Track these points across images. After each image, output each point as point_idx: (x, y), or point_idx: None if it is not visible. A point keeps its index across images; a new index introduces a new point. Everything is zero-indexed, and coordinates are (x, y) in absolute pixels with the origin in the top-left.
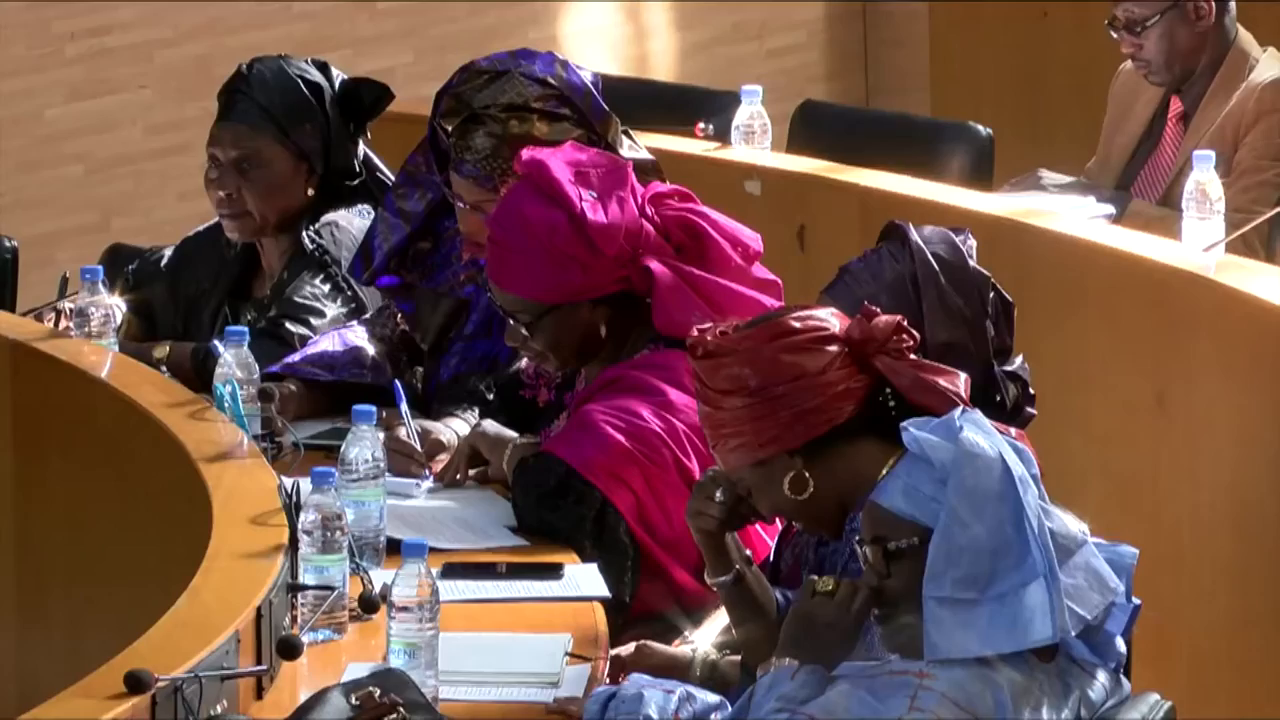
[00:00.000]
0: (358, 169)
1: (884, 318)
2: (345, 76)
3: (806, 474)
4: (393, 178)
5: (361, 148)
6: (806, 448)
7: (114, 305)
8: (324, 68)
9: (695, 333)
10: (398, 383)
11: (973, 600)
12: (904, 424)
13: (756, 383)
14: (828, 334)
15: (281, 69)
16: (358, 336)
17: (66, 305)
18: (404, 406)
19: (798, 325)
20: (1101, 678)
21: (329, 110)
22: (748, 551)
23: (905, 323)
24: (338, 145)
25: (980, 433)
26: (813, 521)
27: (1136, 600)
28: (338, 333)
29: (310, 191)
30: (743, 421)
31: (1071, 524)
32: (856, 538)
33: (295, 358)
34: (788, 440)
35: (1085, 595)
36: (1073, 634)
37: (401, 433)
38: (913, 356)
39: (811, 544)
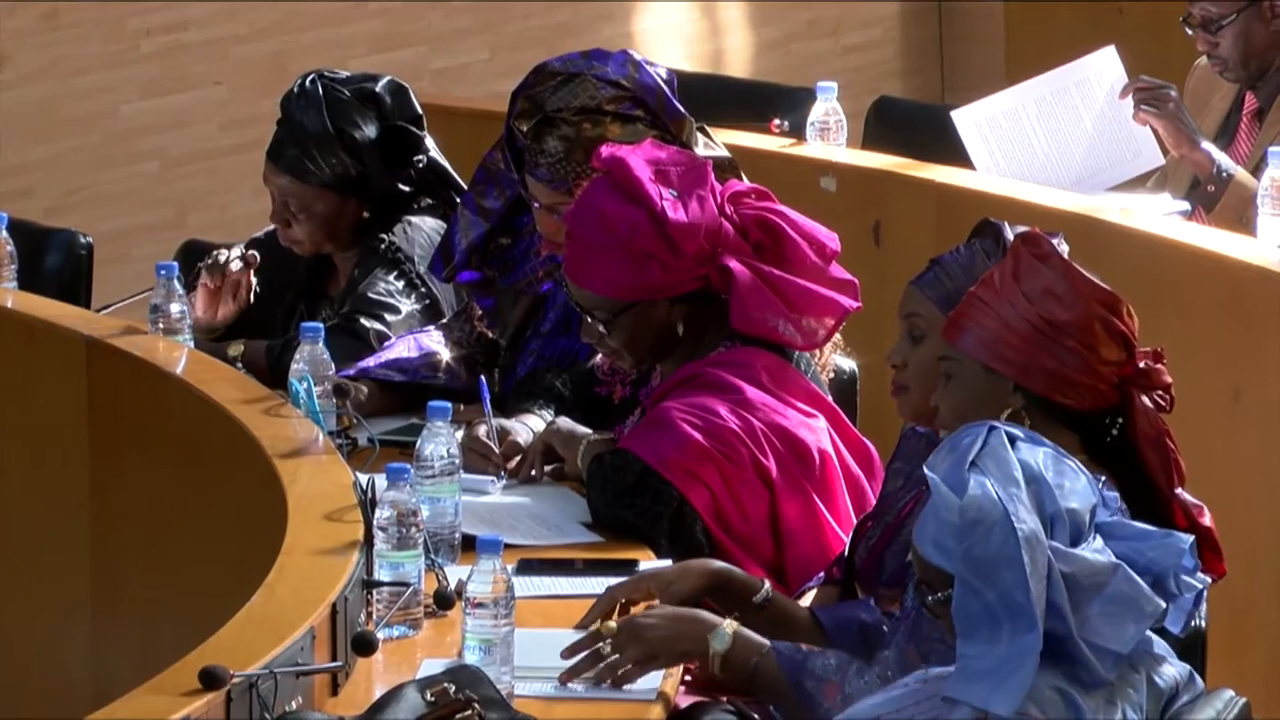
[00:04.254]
0: (411, 176)
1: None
2: (393, 87)
3: (1025, 416)
4: (457, 176)
5: (426, 148)
6: (1033, 398)
7: (188, 302)
8: (373, 96)
9: (1038, 234)
10: (484, 380)
11: (985, 659)
12: (926, 463)
13: (1059, 319)
14: (1131, 343)
15: (319, 109)
16: (433, 341)
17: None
18: (488, 406)
19: (1125, 316)
20: (1172, 670)
21: (366, 145)
22: (761, 597)
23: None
24: (378, 172)
25: (987, 483)
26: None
27: (1197, 589)
28: (413, 337)
29: (365, 213)
30: (1012, 327)
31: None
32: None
33: (370, 362)
34: (1029, 379)
35: (1118, 628)
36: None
37: (482, 431)
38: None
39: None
